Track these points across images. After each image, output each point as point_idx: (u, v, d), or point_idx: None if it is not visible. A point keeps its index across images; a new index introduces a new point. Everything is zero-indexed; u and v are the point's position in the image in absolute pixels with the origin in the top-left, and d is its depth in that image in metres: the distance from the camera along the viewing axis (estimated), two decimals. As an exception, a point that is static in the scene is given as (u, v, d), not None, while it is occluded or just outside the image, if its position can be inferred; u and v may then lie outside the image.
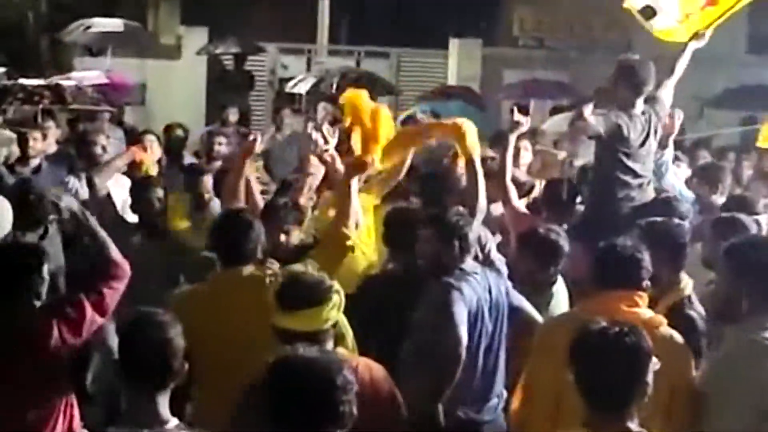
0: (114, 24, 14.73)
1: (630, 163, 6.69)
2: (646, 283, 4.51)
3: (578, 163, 8.31)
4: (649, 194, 6.78)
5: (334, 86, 14.24)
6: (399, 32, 17.54)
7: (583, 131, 6.80)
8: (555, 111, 12.93)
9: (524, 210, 6.91)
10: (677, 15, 7.45)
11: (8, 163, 8.37)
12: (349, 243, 5.53)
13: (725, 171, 8.07)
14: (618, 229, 5.38)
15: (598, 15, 16.50)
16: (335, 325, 4.04)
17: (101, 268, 4.52)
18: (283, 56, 17.48)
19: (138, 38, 15.29)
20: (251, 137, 6.55)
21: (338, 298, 3.99)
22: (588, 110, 6.44)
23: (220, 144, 9.66)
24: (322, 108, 12.82)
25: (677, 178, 7.85)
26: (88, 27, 14.60)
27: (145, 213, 6.80)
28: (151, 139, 9.01)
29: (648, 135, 6.74)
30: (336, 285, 4.04)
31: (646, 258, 4.53)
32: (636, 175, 6.72)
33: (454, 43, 17.32)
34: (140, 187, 6.97)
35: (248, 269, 4.94)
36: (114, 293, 4.47)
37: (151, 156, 8.40)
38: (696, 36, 7.35)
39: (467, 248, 5.16)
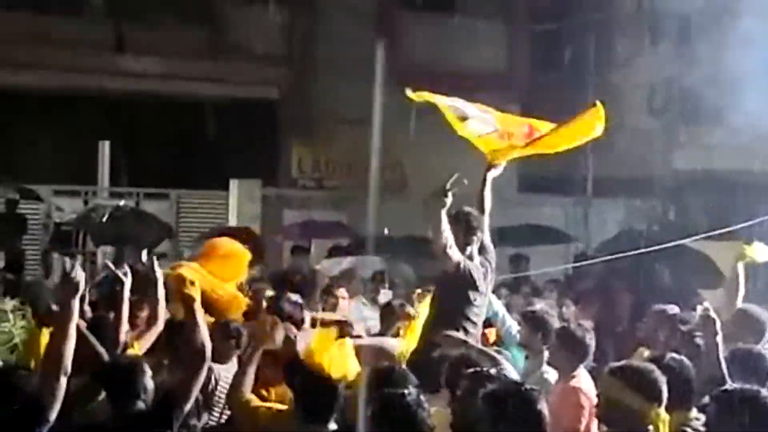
0: None
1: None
2: None
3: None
4: None
5: (105, 217, 14.04)
6: (179, 173, 17.48)
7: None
8: (334, 250, 13.08)
9: None
10: (496, 127, 7.57)
11: None
12: None
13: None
14: None
15: (375, 155, 16.91)
16: None
17: None
18: (58, 198, 17.05)
19: None
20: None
21: None
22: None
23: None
24: (101, 252, 12.60)
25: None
26: None
27: None
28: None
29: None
30: None
31: None
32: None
33: (234, 184, 17.35)
34: None
35: None
36: None
37: None
38: (493, 164, 7.48)
39: None
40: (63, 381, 4.95)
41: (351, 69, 16.76)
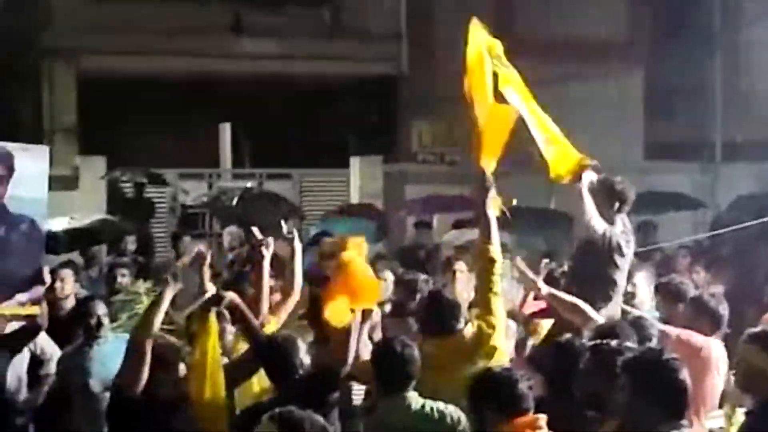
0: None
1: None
2: None
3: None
4: None
5: (235, 201, 14.25)
6: (300, 153, 17.62)
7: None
8: (458, 224, 12.99)
9: None
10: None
11: None
12: None
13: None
14: None
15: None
16: None
17: None
18: (183, 182, 17.36)
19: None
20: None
21: None
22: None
23: (123, 275, 9.39)
24: (227, 233, 12.76)
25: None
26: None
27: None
28: (66, 273, 8.71)
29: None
30: None
31: None
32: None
33: (355, 161, 17.42)
34: None
35: None
36: None
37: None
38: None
39: None
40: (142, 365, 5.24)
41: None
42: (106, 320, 7.17)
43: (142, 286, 8.60)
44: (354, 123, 18.22)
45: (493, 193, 6.23)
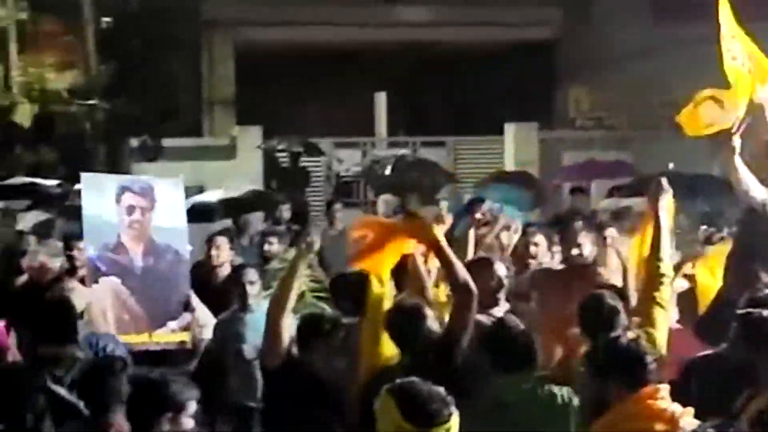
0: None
1: None
2: None
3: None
4: None
5: (389, 169, 14.25)
6: (454, 120, 17.53)
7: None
8: (616, 190, 12.70)
9: None
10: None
11: None
12: None
13: None
14: None
15: (655, 92, 16.31)
16: None
17: None
18: (338, 151, 17.49)
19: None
20: (308, 239, 5.93)
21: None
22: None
23: (271, 243, 9.44)
24: (383, 201, 12.80)
25: None
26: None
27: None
28: (222, 241, 8.85)
29: None
30: None
31: None
32: None
33: (509, 128, 17.23)
34: None
35: None
36: None
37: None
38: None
39: None
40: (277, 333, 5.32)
41: (625, 4, 16.20)
42: (254, 288, 7.22)
43: (297, 254, 8.65)
44: (509, 89, 18.00)
45: (666, 201, 5.79)
